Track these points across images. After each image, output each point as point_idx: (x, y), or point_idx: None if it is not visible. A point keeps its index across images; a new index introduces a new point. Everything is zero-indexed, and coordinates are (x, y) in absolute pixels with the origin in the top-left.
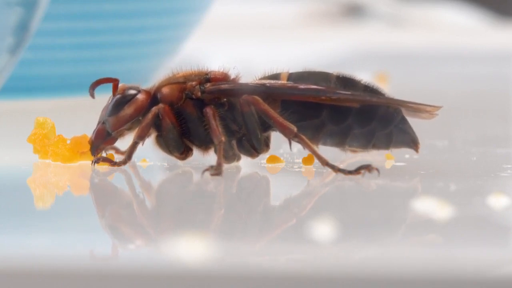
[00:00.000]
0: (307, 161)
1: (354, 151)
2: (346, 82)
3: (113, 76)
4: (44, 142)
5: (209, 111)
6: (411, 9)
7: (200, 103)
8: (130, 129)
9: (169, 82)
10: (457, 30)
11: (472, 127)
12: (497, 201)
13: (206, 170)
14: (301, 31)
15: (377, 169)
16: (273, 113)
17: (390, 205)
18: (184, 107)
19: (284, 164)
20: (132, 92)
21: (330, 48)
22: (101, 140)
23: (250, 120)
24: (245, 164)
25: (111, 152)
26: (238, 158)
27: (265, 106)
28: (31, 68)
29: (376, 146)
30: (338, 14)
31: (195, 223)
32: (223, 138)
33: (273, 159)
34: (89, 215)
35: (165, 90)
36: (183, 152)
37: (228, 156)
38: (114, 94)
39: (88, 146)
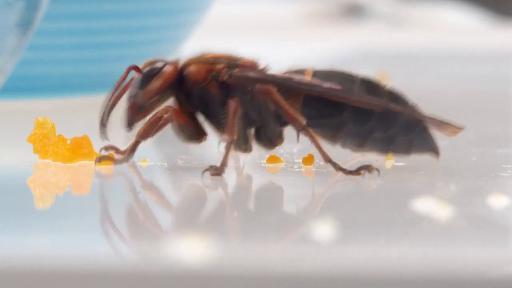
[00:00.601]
0: (307, 161)
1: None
2: (370, 86)
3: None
4: (44, 142)
5: (232, 104)
6: (411, 9)
7: (225, 88)
8: (159, 101)
9: (197, 60)
10: (457, 30)
11: (472, 127)
12: (497, 201)
13: (206, 170)
14: (301, 31)
15: (377, 169)
16: (285, 104)
17: (390, 205)
18: (208, 87)
19: (284, 164)
20: (160, 64)
21: (330, 48)
22: (135, 115)
23: (264, 110)
24: (245, 164)
25: (111, 152)
26: (250, 150)
27: (278, 97)
28: (31, 68)
29: (395, 151)
30: (338, 14)
31: (196, 223)
32: (235, 137)
33: (273, 159)
34: (89, 215)
35: (192, 68)
36: (198, 139)
37: (240, 147)
38: (141, 69)
39: (88, 147)
